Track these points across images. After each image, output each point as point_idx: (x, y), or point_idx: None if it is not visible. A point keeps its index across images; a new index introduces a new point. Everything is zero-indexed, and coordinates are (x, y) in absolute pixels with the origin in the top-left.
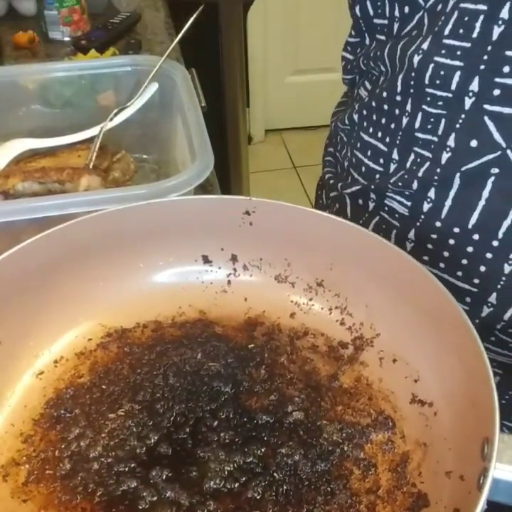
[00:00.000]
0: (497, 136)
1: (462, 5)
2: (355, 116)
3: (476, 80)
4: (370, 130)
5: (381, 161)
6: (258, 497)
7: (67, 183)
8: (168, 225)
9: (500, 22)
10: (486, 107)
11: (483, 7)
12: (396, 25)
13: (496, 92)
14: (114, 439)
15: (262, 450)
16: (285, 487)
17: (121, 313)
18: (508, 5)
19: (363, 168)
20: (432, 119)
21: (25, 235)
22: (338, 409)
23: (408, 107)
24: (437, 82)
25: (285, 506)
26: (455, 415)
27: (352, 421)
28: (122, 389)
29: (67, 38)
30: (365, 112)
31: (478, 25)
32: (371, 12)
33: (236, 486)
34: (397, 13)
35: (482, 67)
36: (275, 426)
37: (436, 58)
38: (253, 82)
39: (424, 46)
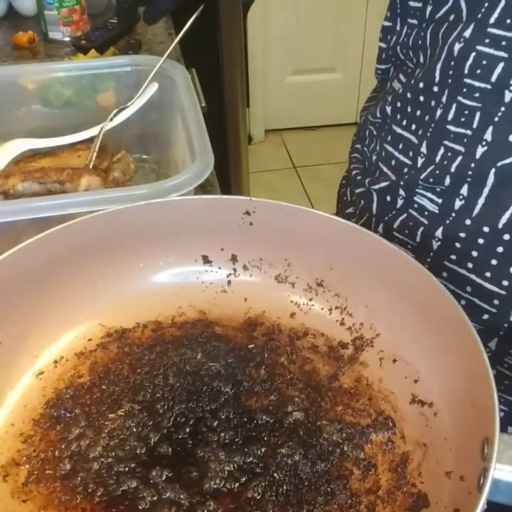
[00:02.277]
0: None
1: None
2: (388, 109)
3: None
4: (404, 123)
5: (411, 154)
6: (258, 497)
7: (67, 183)
8: (168, 225)
9: None
10: None
11: None
12: (429, 9)
13: None
14: (114, 439)
15: (262, 450)
16: (285, 487)
17: (121, 313)
18: None
19: (393, 162)
20: (466, 112)
21: (25, 235)
22: (338, 409)
23: (444, 99)
24: (478, 71)
25: (285, 506)
26: (455, 415)
27: (352, 421)
28: (122, 389)
29: (67, 38)
30: (399, 104)
31: None
32: None
33: (236, 486)
34: None
35: None
36: (275, 426)
37: (479, 47)
38: (253, 82)
39: (466, 34)
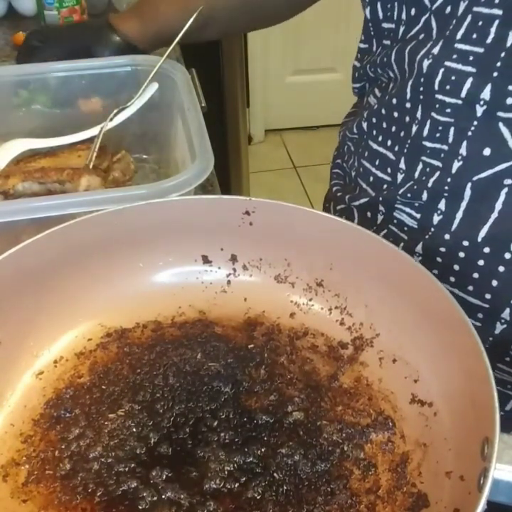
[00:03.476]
0: None
1: (476, 9)
2: (364, 125)
3: (488, 87)
4: (380, 138)
5: (389, 170)
6: (258, 497)
7: (67, 183)
8: (168, 225)
9: None
10: (500, 114)
11: (498, 12)
12: (402, 29)
13: (510, 100)
14: (114, 439)
15: (262, 450)
16: (285, 487)
17: (121, 313)
18: None
19: (371, 178)
20: (440, 128)
21: (25, 235)
22: (338, 409)
23: (418, 114)
24: (447, 87)
25: (285, 506)
26: (455, 415)
27: (352, 421)
28: (122, 389)
29: None
30: (374, 120)
31: (493, 30)
32: (380, 15)
33: (236, 486)
34: (404, 16)
35: (495, 74)
36: (275, 426)
37: (447, 63)
38: (253, 82)
39: (435, 51)
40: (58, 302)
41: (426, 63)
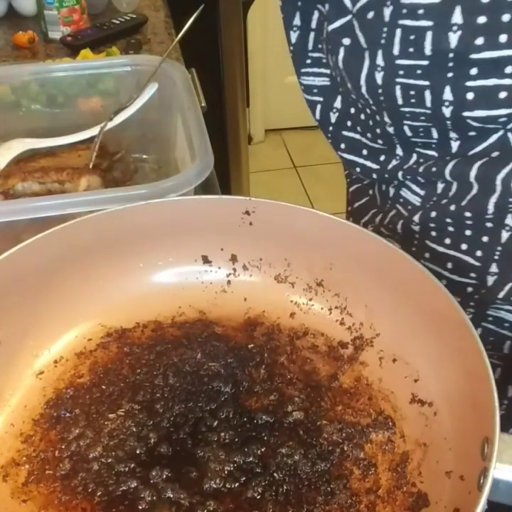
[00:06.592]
0: None
1: (402, 22)
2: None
3: (448, 89)
4: (357, 128)
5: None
6: (258, 497)
7: (67, 183)
8: (168, 225)
9: (455, 28)
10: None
11: (427, 23)
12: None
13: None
14: (114, 439)
15: (262, 450)
16: (285, 487)
17: (121, 313)
18: (458, 9)
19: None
20: (421, 130)
21: (25, 235)
22: (338, 409)
23: (386, 118)
24: (412, 101)
25: (285, 506)
26: (455, 415)
27: (352, 421)
28: (122, 389)
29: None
30: (353, 111)
31: (428, 41)
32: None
33: (236, 485)
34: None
35: (450, 74)
36: (275, 426)
37: (398, 79)
38: (253, 82)
39: (380, 63)
40: (58, 302)
41: (378, 77)
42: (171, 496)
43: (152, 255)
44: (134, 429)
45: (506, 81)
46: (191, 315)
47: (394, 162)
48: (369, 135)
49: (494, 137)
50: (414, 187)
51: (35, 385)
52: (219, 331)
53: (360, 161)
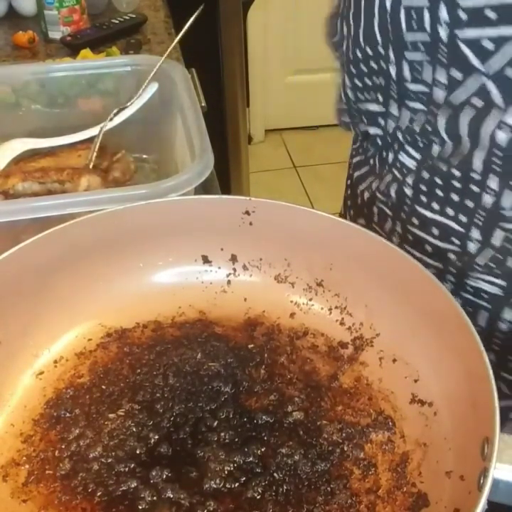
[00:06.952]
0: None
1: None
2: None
3: (443, 7)
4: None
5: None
6: (258, 497)
7: (67, 183)
8: (168, 225)
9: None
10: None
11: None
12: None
13: None
14: (114, 439)
15: (262, 450)
16: (285, 487)
17: (121, 313)
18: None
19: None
20: None
21: (25, 235)
22: (338, 409)
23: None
24: (414, 26)
25: (285, 506)
26: (455, 415)
27: (352, 421)
28: (122, 389)
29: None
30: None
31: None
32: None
33: (236, 485)
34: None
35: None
36: (275, 426)
37: (404, 3)
38: (253, 82)
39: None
40: (58, 302)
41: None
42: (171, 496)
43: (152, 255)
44: (134, 429)
45: (493, 1)
46: (191, 315)
47: (392, 124)
48: (372, 94)
49: (474, 85)
50: (411, 151)
51: (35, 385)
52: (219, 331)
53: (370, 129)
